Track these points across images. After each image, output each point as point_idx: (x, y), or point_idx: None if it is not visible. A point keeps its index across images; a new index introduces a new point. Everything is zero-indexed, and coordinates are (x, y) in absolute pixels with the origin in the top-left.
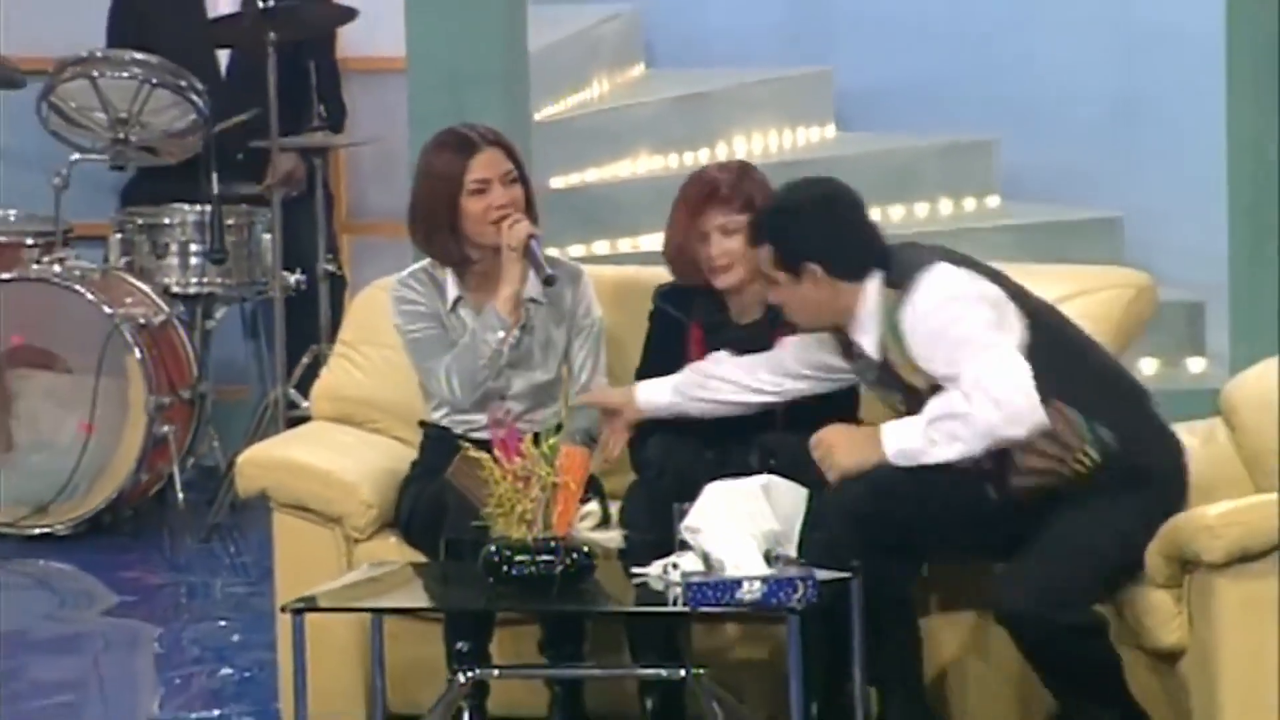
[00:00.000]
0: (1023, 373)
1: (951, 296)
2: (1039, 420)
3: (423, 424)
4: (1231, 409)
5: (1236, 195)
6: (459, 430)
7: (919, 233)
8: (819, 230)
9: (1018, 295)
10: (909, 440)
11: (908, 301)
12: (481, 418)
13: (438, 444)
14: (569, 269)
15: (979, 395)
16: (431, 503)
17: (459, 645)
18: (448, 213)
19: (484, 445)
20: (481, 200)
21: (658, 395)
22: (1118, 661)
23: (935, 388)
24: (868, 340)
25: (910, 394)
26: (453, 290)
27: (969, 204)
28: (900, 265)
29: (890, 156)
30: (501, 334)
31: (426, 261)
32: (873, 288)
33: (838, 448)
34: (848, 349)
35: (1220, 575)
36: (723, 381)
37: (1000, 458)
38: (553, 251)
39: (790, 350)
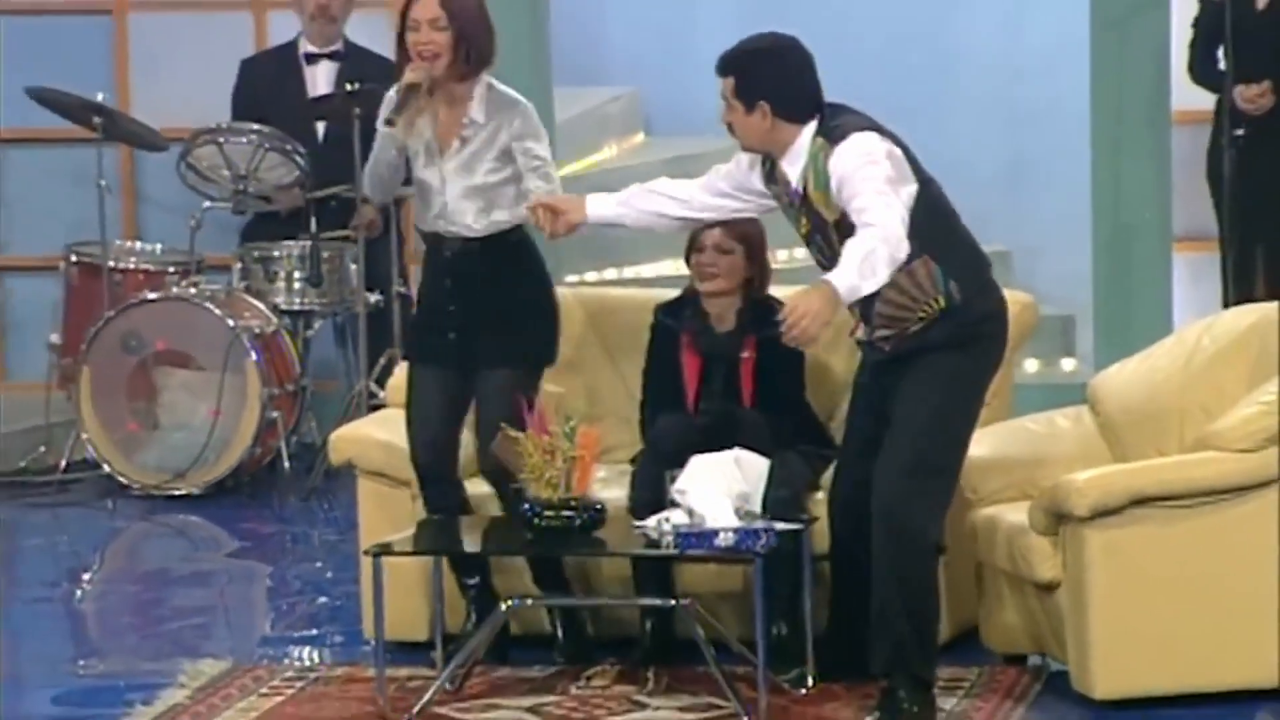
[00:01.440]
0: (900, 218)
1: (868, 154)
2: (904, 252)
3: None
4: (1096, 399)
5: (1098, 234)
6: (424, 228)
7: None
8: (772, 74)
9: (914, 162)
10: (849, 282)
11: (834, 151)
12: (428, 213)
13: (426, 256)
14: (506, 99)
15: (877, 232)
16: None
17: (469, 581)
18: (402, 49)
19: (432, 239)
20: (412, 36)
21: (604, 207)
22: (936, 596)
23: (839, 221)
24: (793, 171)
25: (817, 220)
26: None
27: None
28: (832, 121)
29: None
30: (385, 141)
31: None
32: (807, 132)
33: (807, 315)
34: (770, 175)
35: (1086, 526)
36: (663, 196)
37: (864, 314)
38: (572, 278)
39: (722, 174)
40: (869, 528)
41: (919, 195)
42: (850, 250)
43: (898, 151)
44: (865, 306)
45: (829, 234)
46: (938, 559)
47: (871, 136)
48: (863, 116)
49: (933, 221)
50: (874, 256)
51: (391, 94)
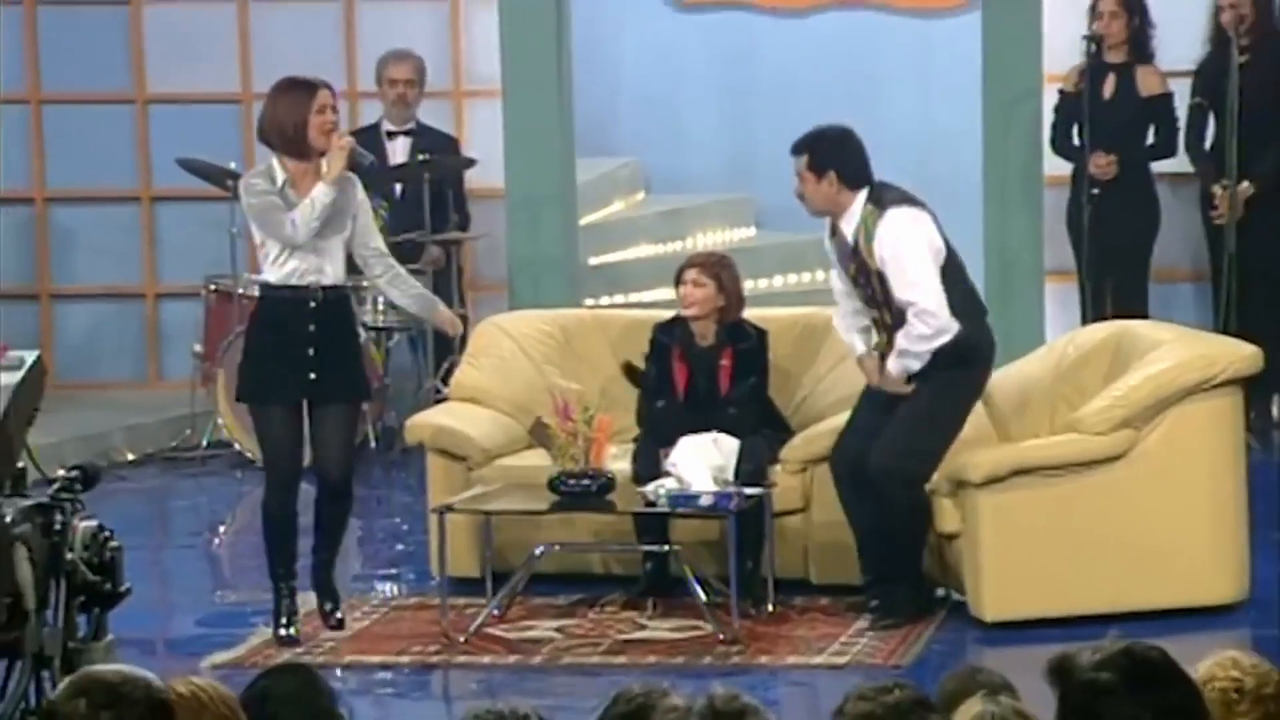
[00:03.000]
0: (942, 299)
1: (908, 231)
2: (952, 330)
3: (262, 286)
4: (987, 394)
5: (989, 268)
6: (293, 282)
7: (817, 287)
8: (836, 151)
9: (942, 233)
10: (901, 368)
11: (881, 218)
12: (302, 267)
13: (275, 303)
14: (351, 179)
15: (921, 323)
16: None
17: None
18: (296, 127)
19: (294, 290)
20: (322, 118)
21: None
22: (924, 538)
23: (880, 271)
24: (849, 228)
25: (863, 266)
26: (280, 179)
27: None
28: (880, 193)
29: (791, 246)
30: (331, 196)
31: (264, 166)
32: (860, 197)
33: (887, 383)
34: (832, 233)
35: (979, 491)
36: (852, 329)
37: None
38: (589, 302)
39: (841, 297)
40: (860, 481)
41: (945, 261)
42: (898, 343)
43: (929, 221)
44: (891, 337)
45: (871, 277)
46: (920, 511)
47: (911, 211)
48: (901, 190)
49: (948, 277)
50: (912, 354)
51: None
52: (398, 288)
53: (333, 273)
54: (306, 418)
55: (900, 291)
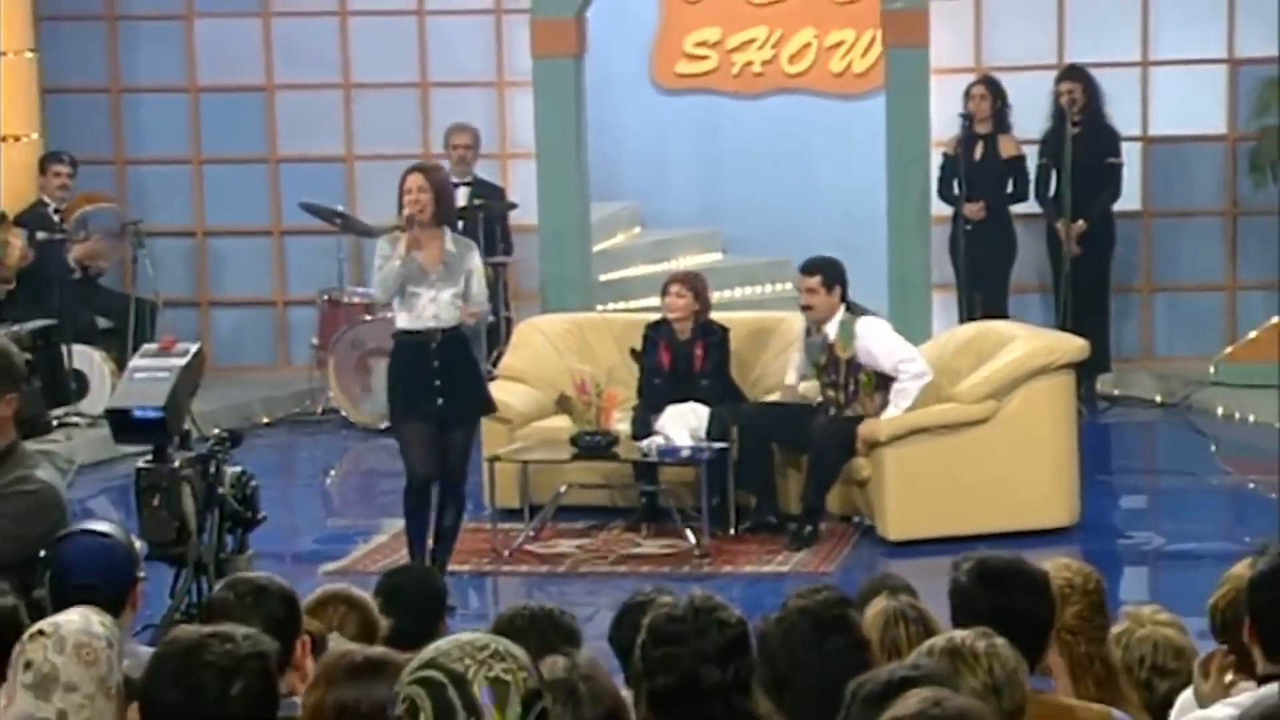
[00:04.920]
0: (923, 367)
1: (882, 329)
2: (930, 373)
3: (396, 331)
4: None
5: (892, 283)
6: (417, 327)
7: (779, 294)
8: (840, 275)
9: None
10: (899, 410)
11: (857, 323)
12: (423, 315)
13: (404, 345)
14: (466, 243)
15: (915, 383)
16: None
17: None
18: (401, 206)
19: (417, 335)
20: (406, 198)
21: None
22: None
23: (849, 361)
24: (831, 330)
25: (833, 357)
26: (401, 248)
27: (787, 284)
28: (852, 306)
29: (748, 267)
30: (396, 268)
31: (395, 234)
32: (840, 307)
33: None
34: (810, 333)
35: (885, 447)
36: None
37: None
38: (599, 307)
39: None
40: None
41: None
42: (897, 392)
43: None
44: (839, 400)
45: (839, 364)
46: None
47: (875, 318)
48: (862, 306)
49: None
50: (915, 384)
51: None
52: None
53: (448, 318)
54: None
55: (893, 364)
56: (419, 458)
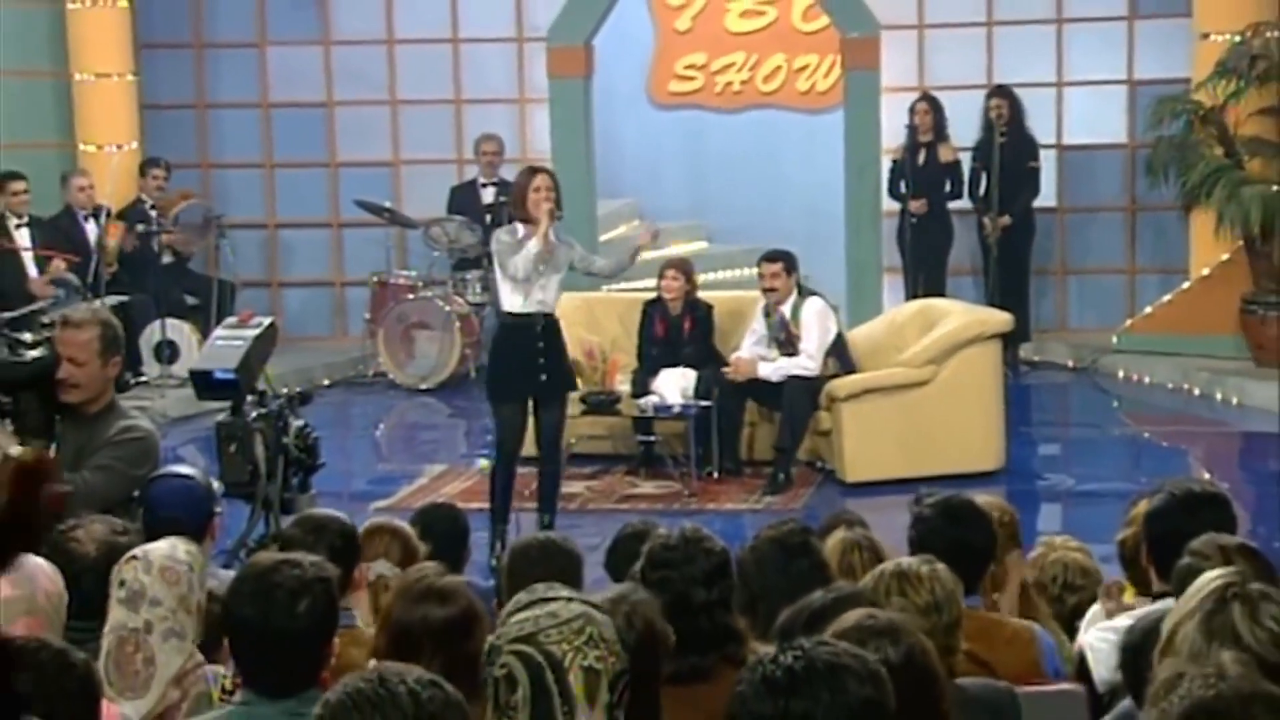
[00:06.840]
0: (820, 356)
1: (821, 311)
2: (814, 370)
3: (502, 314)
4: (851, 342)
5: (850, 266)
6: (524, 310)
7: (743, 280)
8: (795, 263)
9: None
10: (767, 371)
11: (805, 302)
12: (530, 300)
13: (511, 327)
14: (567, 240)
15: (794, 368)
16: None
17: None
18: (523, 198)
19: (527, 317)
20: (537, 195)
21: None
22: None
23: (792, 336)
24: (786, 308)
25: (790, 336)
26: (520, 233)
27: (751, 270)
28: (803, 288)
29: (729, 254)
30: (538, 248)
31: (512, 225)
32: (794, 290)
33: (741, 368)
34: (767, 311)
35: (844, 403)
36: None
37: None
38: (606, 288)
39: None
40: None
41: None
42: (783, 363)
43: (826, 305)
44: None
45: (795, 339)
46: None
47: (820, 300)
48: (811, 288)
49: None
50: (791, 370)
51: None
52: (599, 262)
53: (550, 303)
54: (531, 410)
55: (806, 344)
56: (513, 436)
